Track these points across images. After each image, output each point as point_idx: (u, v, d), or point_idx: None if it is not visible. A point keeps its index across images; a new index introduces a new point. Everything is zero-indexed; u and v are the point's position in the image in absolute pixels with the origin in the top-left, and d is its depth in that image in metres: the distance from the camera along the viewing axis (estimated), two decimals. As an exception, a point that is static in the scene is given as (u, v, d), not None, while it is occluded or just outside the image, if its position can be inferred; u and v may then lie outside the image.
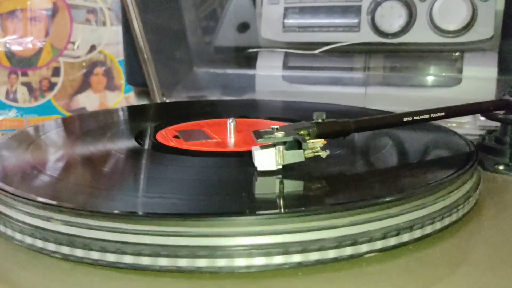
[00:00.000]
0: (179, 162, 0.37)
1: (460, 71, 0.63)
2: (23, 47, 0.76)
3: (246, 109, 0.56)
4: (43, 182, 0.33)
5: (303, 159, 0.33)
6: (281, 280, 0.27)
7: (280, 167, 0.33)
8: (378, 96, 0.65)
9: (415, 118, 0.39)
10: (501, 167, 0.43)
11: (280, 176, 0.33)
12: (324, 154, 0.33)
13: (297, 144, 0.33)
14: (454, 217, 0.32)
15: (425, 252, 0.30)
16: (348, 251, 0.28)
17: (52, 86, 0.78)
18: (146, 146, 0.41)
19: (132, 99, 0.79)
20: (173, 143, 0.41)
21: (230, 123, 0.42)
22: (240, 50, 0.71)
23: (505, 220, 0.34)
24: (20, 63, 0.76)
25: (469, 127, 0.56)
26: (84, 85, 0.79)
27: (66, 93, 0.78)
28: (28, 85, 0.77)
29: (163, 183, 0.33)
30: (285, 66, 0.68)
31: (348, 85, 0.67)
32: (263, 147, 0.33)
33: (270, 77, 0.69)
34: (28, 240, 0.29)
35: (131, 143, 0.42)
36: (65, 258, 0.28)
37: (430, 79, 0.65)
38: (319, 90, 0.67)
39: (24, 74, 0.76)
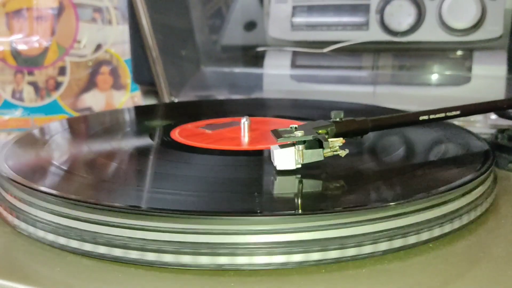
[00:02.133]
0: (199, 160, 0.38)
1: (469, 69, 0.63)
2: (29, 46, 0.76)
3: (262, 107, 0.56)
4: (61, 178, 0.33)
5: (322, 158, 0.33)
6: (304, 277, 0.27)
7: (299, 166, 0.33)
8: (387, 95, 0.65)
9: (431, 117, 0.39)
10: (515, 166, 0.43)
11: (299, 175, 0.33)
12: (343, 153, 0.33)
13: (316, 143, 0.33)
14: (472, 216, 0.32)
15: (446, 250, 0.30)
16: (368, 249, 0.28)
17: (58, 85, 0.77)
18: (165, 145, 0.41)
19: (139, 98, 0.79)
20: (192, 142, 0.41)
21: (244, 121, 0.42)
22: (248, 49, 0.71)
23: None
24: (26, 62, 0.75)
25: (480, 125, 0.56)
26: (90, 84, 0.79)
27: (72, 93, 0.78)
28: (34, 84, 0.76)
29: (185, 180, 0.33)
30: (293, 65, 0.68)
31: (356, 84, 0.67)
32: (282, 146, 0.33)
33: (278, 76, 0.68)
34: (51, 237, 0.29)
35: (148, 141, 0.42)
36: (88, 255, 0.28)
37: (439, 77, 0.65)
38: (327, 89, 0.67)
39: (30, 73, 0.76)
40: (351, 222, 0.28)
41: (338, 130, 0.34)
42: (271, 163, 0.34)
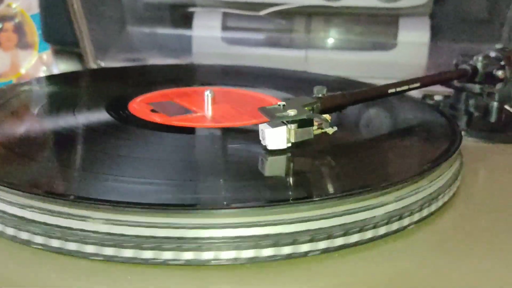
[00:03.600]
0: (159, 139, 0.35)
1: (396, 35, 0.65)
2: None
3: (213, 76, 0.53)
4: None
5: (312, 137, 0.32)
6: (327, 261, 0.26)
7: (290, 145, 0.32)
8: (318, 59, 0.66)
9: (397, 89, 0.39)
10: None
11: (289, 154, 0.32)
12: (330, 130, 0.33)
13: (305, 121, 0.32)
14: (452, 191, 0.34)
15: (436, 225, 0.31)
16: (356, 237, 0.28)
17: (-48, 43, 0.68)
18: (123, 121, 0.37)
19: (49, 58, 0.72)
20: (156, 118, 0.38)
21: (208, 94, 0.40)
22: (175, 8, 0.67)
23: (492, 183, 0.37)
24: None
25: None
26: (-9, 42, 0.70)
27: (-31, 51, 0.69)
28: None
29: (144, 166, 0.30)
30: (224, 27, 0.66)
31: (288, 47, 0.66)
32: (273, 125, 0.31)
33: (208, 38, 0.66)
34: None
35: (104, 115, 0.38)
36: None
37: (368, 42, 0.66)
38: (259, 52, 0.66)
39: None
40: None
41: (323, 106, 0.34)
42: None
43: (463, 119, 0.46)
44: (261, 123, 0.32)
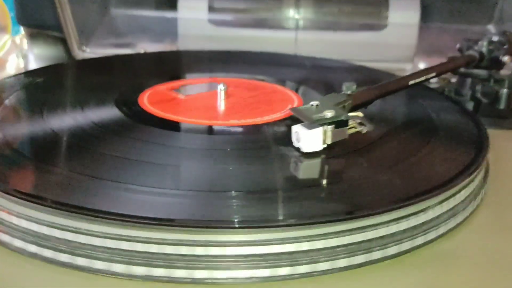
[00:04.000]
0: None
1: (386, 15, 0.64)
2: None
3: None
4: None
5: (346, 137, 0.31)
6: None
7: (325, 146, 0.31)
8: (308, 40, 0.64)
9: (416, 80, 0.39)
10: (467, 119, 0.46)
11: (324, 156, 0.31)
12: (364, 129, 0.32)
13: (342, 122, 0.31)
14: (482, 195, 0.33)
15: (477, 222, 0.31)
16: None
17: None
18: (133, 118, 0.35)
19: (24, 42, 0.67)
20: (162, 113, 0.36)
21: (221, 88, 0.38)
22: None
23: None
24: None
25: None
26: (-42, 25, 0.65)
27: None
28: None
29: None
30: (211, 8, 0.63)
31: (278, 29, 0.65)
32: (309, 126, 0.30)
33: (194, 20, 0.63)
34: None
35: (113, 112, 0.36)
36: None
37: (358, 23, 0.65)
38: (247, 34, 0.64)
39: None
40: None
41: (354, 103, 0.32)
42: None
43: (470, 105, 0.46)
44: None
